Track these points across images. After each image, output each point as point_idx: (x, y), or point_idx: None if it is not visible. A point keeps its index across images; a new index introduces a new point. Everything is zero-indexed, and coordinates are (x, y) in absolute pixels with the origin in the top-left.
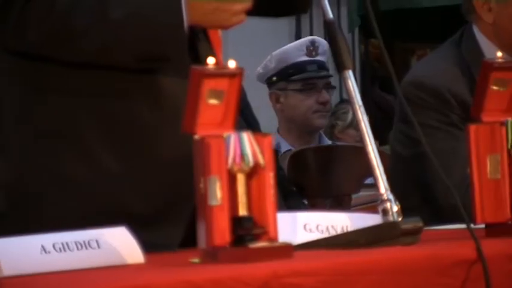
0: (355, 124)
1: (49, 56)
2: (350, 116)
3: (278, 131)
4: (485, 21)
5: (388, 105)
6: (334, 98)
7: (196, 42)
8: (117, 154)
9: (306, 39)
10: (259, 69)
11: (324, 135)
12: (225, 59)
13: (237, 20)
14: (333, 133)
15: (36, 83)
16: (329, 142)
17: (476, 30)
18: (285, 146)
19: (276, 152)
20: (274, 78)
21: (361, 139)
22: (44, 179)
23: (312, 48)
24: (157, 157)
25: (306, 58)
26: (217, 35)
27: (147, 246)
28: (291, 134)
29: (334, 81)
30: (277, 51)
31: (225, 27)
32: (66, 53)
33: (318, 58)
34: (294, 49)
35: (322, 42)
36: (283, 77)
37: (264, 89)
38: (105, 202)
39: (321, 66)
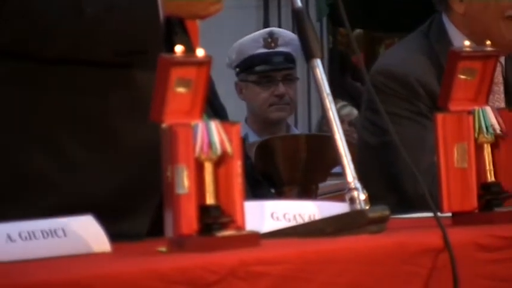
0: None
1: (21, 52)
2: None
3: (246, 120)
4: (456, 11)
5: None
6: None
7: (173, 35)
8: (84, 145)
9: (263, 31)
10: (227, 60)
11: (292, 126)
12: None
13: (214, 9)
14: (321, 126)
15: (2, 78)
16: (297, 132)
17: (446, 20)
18: (252, 136)
19: (244, 140)
20: (237, 69)
21: (350, 132)
22: (9, 171)
23: (271, 39)
24: (123, 147)
25: (264, 50)
26: (195, 26)
27: (114, 236)
28: (256, 124)
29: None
30: (237, 42)
31: (202, 17)
32: (39, 49)
33: (281, 49)
34: (251, 41)
35: (283, 34)
36: (244, 68)
37: (233, 78)
38: (71, 193)
39: (287, 57)
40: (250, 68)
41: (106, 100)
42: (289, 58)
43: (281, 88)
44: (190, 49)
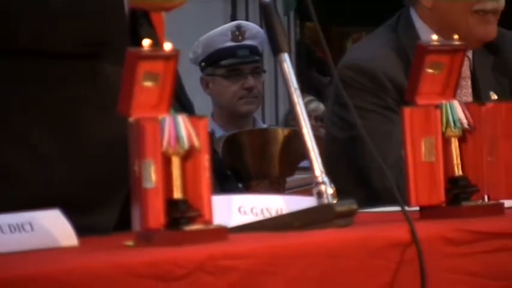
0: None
1: None
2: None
3: (212, 115)
4: (424, 5)
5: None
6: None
7: (138, 27)
8: (52, 137)
9: (231, 24)
10: (190, 54)
11: (258, 120)
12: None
13: (179, 1)
14: (287, 120)
15: None
16: (264, 126)
17: (413, 14)
18: (218, 131)
19: (211, 135)
20: (203, 64)
21: (317, 126)
22: None
23: (238, 33)
24: (92, 139)
25: (232, 43)
26: (160, 18)
27: (81, 230)
28: (223, 119)
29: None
30: (204, 36)
31: (167, 9)
32: (3, 40)
33: (247, 43)
34: (219, 34)
35: (250, 26)
36: (211, 63)
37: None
38: (38, 184)
39: (253, 50)
40: (217, 62)
41: (73, 92)
42: (255, 51)
43: (250, 81)
44: (155, 41)
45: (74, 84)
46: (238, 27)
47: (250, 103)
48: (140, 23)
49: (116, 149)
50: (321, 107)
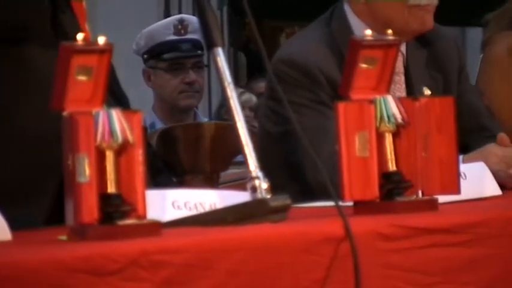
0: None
1: None
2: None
3: (153, 108)
4: (358, 0)
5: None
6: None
7: (60, 14)
8: None
9: (174, 18)
10: (133, 45)
11: (199, 114)
12: (94, 35)
13: None
14: (220, 113)
15: None
16: (205, 120)
17: (347, 9)
18: (159, 124)
19: (146, 129)
20: (146, 56)
21: (251, 117)
22: None
23: (181, 26)
24: (20, 132)
25: (174, 37)
26: (81, 7)
27: (10, 222)
28: (164, 112)
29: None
30: (146, 29)
31: None
32: None
33: (190, 36)
34: (161, 28)
35: (193, 20)
36: (153, 55)
37: (136, 66)
38: None
39: (196, 45)
40: (159, 55)
41: None
42: (198, 45)
43: (191, 75)
44: (78, 30)
45: None
46: (181, 21)
47: (190, 97)
48: (62, 10)
49: (46, 141)
50: (253, 98)
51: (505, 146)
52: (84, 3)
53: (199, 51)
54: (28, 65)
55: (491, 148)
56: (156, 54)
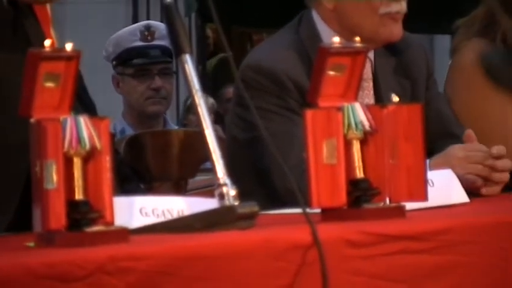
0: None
1: None
2: (189, 101)
3: (123, 114)
4: (326, 7)
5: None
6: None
7: (22, 19)
8: None
9: (140, 24)
10: (103, 52)
11: (169, 121)
12: (62, 42)
13: None
14: (183, 121)
15: None
16: (175, 127)
17: (315, 16)
18: (129, 131)
19: (113, 135)
20: (114, 62)
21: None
22: None
23: (147, 33)
24: None
25: (141, 43)
26: (44, 10)
27: None
28: (133, 118)
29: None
30: (114, 35)
31: (50, 1)
32: None
33: (157, 43)
34: (128, 34)
35: (160, 27)
36: (121, 62)
37: (106, 72)
38: None
39: (163, 51)
40: (126, 61)
41: None
42: (165, 52)
43: (157, 81)
44: (41, 35)
45: None
46: (148, 27)
47: (157, 103)
48: (25, 15)
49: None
50: (210, 100)
51: (471, 143)
52: (47, 6)
53: (166, 58)
54: None
55: (454, 150)
56: (124, 61)
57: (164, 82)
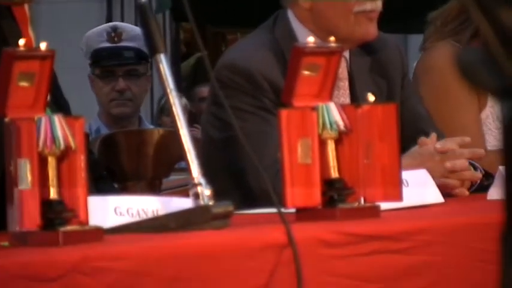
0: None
1: None
2: (163, 101)
3: (98, 114)
4: (302, 6)
5: None
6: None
7: (1, 19)
8: None
9: (107, 25)
10: (81, 51)
11: (144, 121)
12: (37, 42)
13: None
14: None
15: None
16: (150, 126)
17: (291, 15)
18: (104, 130)
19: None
20: (89, 62)
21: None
22: None
23: (114, 34)
24: None
25: (107, 44)
26: (23, 11)
27: None
28: (107, 118)
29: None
30: (85, 35)
31: (28, 1)
32: None
33: (124, 44)
34: (95, 35)
35: (128, 29)
36: (91, 62)
37: (79, 71)
38: None
39: (132, 53)
40: (95, 62)
41: None
42: (134, 53)
43: (121, 83)
44: (19, 35)
45: None
46: (114, 29)
47: (121, 105)
48: (4, 15)
49: None
50: (183, 100)
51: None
52: (25, 7)
53: (134, 60)
54: None
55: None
56: (93, 62)
57: (129, 84)
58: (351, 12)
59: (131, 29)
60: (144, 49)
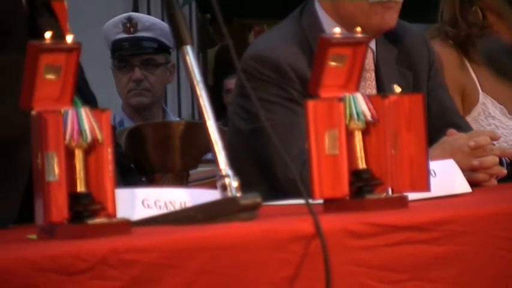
0: None
1: None
2: None
3: (122, 106)
4: None
5: None
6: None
7: (39, 17)
8: None
9: (122, 16)
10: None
11: (169, 112)
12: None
13: None
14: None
15: None
16: (175, 118)
17: (317, 6)
18: (128, 122)
19: (114, 127)
20: (110, 54)
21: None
22: None
23: (129, 25)
24: None
25: (123, 35)
26: (62, 7)
27: None
28: (129, 110)
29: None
30: (103, 28)
31: None
32: None
33: (140, 34)
34: (111, 26)
35: (143, 19)
36: (112, 54)
37: (104, 64)
38: None
39: (149, 42)
40: (114, 53)
41: None
42: (151, 43)
43: (137, 73)
44: (58, 32)
45: None
46: (130, 19)
47: (139, 95)
48: (41, 14)
49: (17, 141)
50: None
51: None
52: (65, 2)
53: (150, 49)
54: (4, 71)
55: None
56: (113, 53)
57: (146, 74)
58: (367, 3)
59: (146, 19)
60: (162, 39)
